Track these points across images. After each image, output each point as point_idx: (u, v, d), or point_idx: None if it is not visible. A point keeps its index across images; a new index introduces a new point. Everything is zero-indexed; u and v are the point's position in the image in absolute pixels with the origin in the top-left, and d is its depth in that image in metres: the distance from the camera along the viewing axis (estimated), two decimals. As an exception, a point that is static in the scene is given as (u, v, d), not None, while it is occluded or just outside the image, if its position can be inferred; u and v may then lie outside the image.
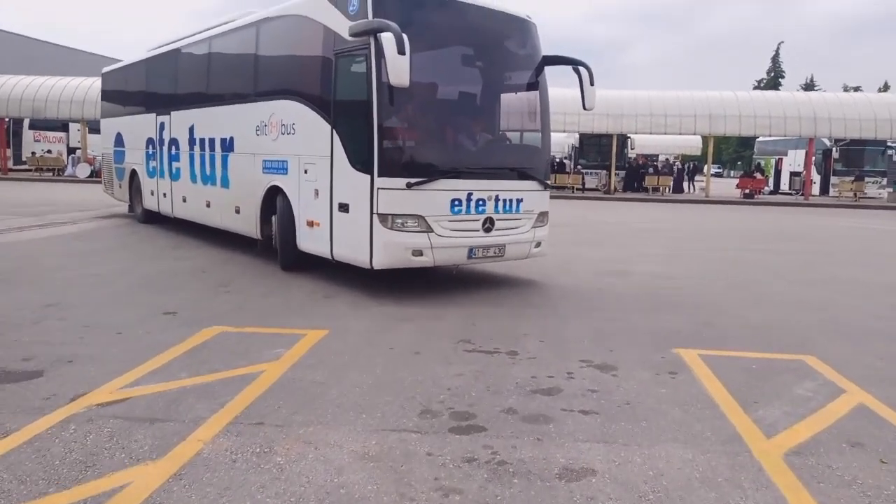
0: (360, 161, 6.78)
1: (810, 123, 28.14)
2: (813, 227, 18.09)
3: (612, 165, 30.53)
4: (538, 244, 7.91)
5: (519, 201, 7.51)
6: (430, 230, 6.79)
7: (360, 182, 6.75)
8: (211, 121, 10.51)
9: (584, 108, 8.10)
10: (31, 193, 21.37)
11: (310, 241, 7.80)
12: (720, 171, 77.03)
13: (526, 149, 8.34)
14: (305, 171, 7.78)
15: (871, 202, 29.40)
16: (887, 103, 28.31)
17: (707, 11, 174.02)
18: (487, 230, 7.22)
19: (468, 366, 4.77)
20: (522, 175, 7.64)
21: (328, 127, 7.29)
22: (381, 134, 6.57)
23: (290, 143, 8.15)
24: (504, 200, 7.36)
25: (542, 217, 7.90)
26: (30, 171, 32.73)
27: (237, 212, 9.59)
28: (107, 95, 15.45)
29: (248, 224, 9.24)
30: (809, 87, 72.68)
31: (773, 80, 77.13)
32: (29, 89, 30.52)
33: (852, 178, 30.46)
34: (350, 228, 7.01)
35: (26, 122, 34.81)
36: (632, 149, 35.95)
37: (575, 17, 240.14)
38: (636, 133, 31.82)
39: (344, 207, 7.08)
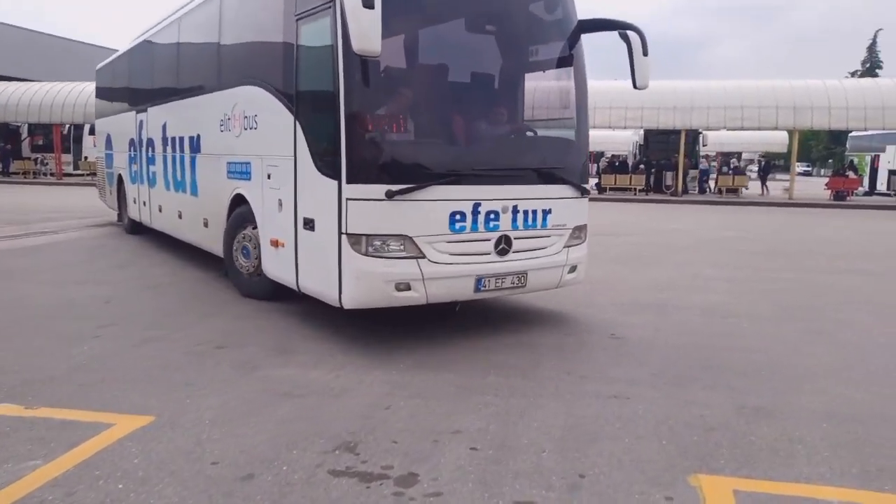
0: (326, 162, 5.03)
1: (914, 114, 24.31)
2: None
3: (681, 164, 27.49)
4: (573, 268, 5.91)
5: (546, 213, 5.54)
6: (420, 255, 4.94)
7: (326, 190, 4.96)
8: (180, 116, 8.89)
9: (636, 87, 5.90)
10: (60, 198, 20.72)
11: (275, 265, 6.06)
12: (809, 169, 71.08)
13: (555, 143, 6.20)
14: (269, 176, 6.04)
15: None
16: None
17: (794, 2, 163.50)
18: (502, 253, 5.29)
19: (313, 513, 2.75)
20: (550, 178, 5.61)
21: (290, 118, 5.52)
22: (349, 123, 4.78)
23: (253, 140, 6.44)
24: (525, 212, 5.40)
25: (578, 233, 5.89)
26: (84, 175, 32.78)
27: (205, 225, 7.90)
28: (99, 93, 14.28)
29: (215, 240, 7.50)
30: (912, 76, 65.96)
31: (869, 72, 70.22)
32: (82, 95, 30.37)
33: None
34: (316, 252, 5.22)
35: (87, 128, 34.98)
36: (704, 145, 32.58)
37: (650, 14, 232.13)
38: (708, 129, 28.65)
39: (309, 224, 5.28)
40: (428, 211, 4.96)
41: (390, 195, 4.77)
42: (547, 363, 4.87)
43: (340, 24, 4.68)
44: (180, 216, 8.98)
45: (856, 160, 35.60)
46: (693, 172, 28.98)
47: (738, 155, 42.76)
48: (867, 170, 33.74)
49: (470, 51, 5.82)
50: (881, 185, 31.95)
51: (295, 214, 5.47)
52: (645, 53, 5.73)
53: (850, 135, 37.84)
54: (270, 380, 4.36)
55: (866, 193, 31.22)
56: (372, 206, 4.81)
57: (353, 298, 4.89)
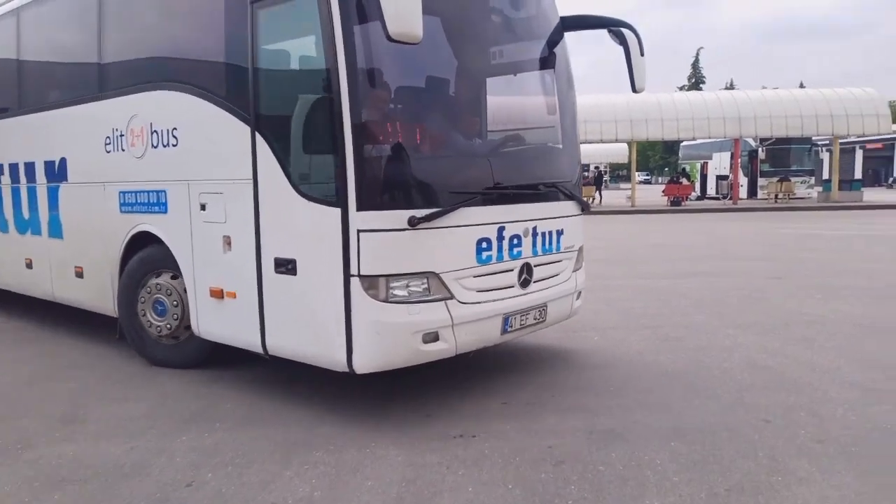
0: (320, 184, 4.05)
1: (735, 124, 26.91)
2: (755, 236, 16.19)
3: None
4: (579, 294, 5.34)
5: (560, 234, 4.88)
6: (448, 295, 4.09)
7: (319, 221, 3.97)
8: (29, 136, 6.79)
9: (635, 90, 5.21)
10: None
11: (216, 323, 4.83)
12: (649, 178, 77.08)
13: (561, 153, 5.37)
14: (203, 207, 4.82)
15: (801, 203, 28.33)
16: (812, 99, 27.26)
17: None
18: (525, 284, 4.57)
19: None
20: (561, 193, 4.94)
21: (245, 129, 4.40)
22: (358, 133, 3.80)
23: (170, 161, 5.10)
24: (543, 235, 4.72)
25: (580, 255, 5.32)
26: None
27: (78, 275, 6.20)
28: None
29: (98, 294, 5.93)
30: (730, 90, 73.57)
31: (694, 86, 77.58)
32: None
33: (778, 179, 29.39)
34: (299, 303, 4.19)
35: None
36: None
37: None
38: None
39: (286, 265, 4.19)
40: (454, 240, 4.12)
41: (414, 223, 3.86)
42: (393, 403, 4.40)
43: (338, 4, 3.77)
44: (30, 265, 6.97)
45: (688, 168, 38.86)
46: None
47: (587, 167, 45.29)
48: (698, 176, 36.84)
49: (473, 53, 4.90)
50: (711, 189, 34.97)
51: (258, 255, 4.35)
52: (642, 53, 5.11)
53: (681, 144, 41.30)
54: (43, 463, 3.53)
55: (698, 198, 33.99)
56: (392, 239, 3.88)
57: (369, 360, 3.91)
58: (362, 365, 3.90)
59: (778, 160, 30.98)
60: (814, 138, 29.75)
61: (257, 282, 4.36)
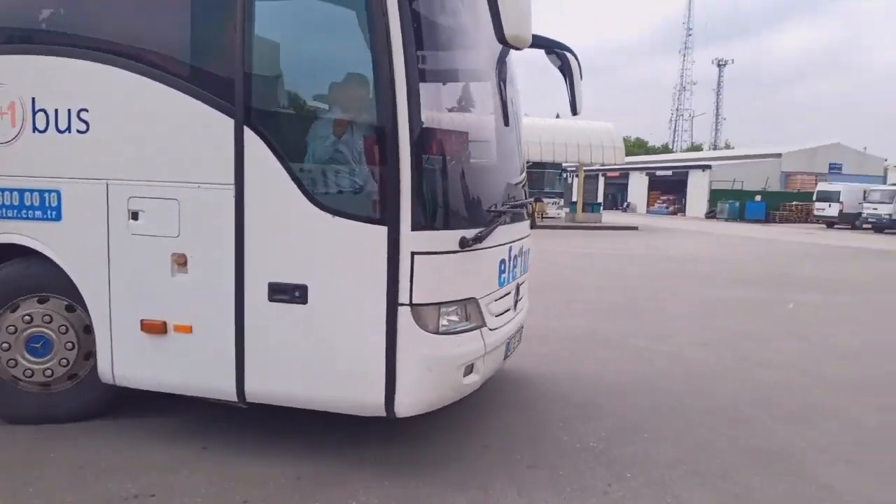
0: (355, 197, 3.55)
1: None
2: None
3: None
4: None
5: (529, 252, 4.80)
6: (482, 322, 3.76)
7: (352, 240, 3.40)
8: None
9: (576, 113, 5.01)
10: None
11: (150, 365, 3.81)
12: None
13: (523, 172, 5.14)
14: (134, 216, 3.73)
15: (553, 222, 31.77)
16: (563, 129, 30.71)
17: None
18: (515, 305, 4.44)
19: None
20: (526, 212, 4.79)
21: (225, 121, 3.51)
22: (420, 143, 3.31)
23: (71, 152, 3.85)
24: (524, 253, 4.61)
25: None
26: None
27: None
28: None
29: None
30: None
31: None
32: None
33: (533, 200, 32.63)
34: (313, 337, 3.50)
35: None
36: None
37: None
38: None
39: (289, 292, 3.47)
40: (485, 262, 3.82)
41: (465, 244, 3.51)
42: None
43: None
44: None
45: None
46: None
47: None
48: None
49: (505, 65, 4.49)
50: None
51: (238, 279, 3.53)
52: (581, 76, 4.98)
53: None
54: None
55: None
56: (444, 262, 3.49)
57: (416, 400, 3.46)
58: (407, 406, 3.43)
59: (533, 182, 34.44)
60: (563, 164, 33.57)
61: (235, 312, 3.54)
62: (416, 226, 3.35)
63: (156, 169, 3.71)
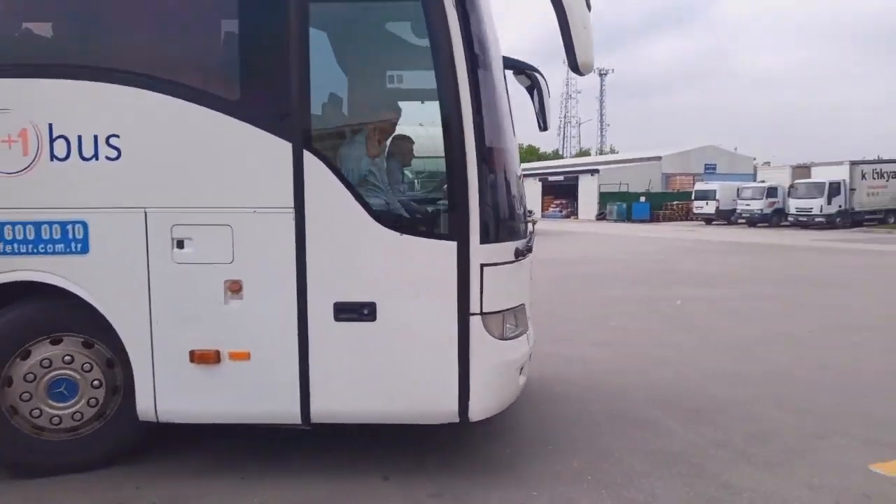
0: (422, 215, 3.98)
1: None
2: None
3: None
4: None
5: None
6: (527, 328, 4.11)
7: (422, 256, 3.60)
8: None
9: (544, 129, 5.32)
10: None
11: (202, 397, 3.69)
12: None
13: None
14: (180, 245, 3.61)
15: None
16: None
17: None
18: None
19: None
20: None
21: (283, 145, 3.54)
22: (484, 161, 3.56)
23: (100, 181, 3.65)
24: None
25: None
26: None
27: None
28: None
29: None
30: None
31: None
32: None
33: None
34: (385, 352, 3.62)
35: None
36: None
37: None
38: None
39: (357, 311, 3.57)
40: (524, 270, 4.13)
41: (518, 253, 3.87)
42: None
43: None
44: None
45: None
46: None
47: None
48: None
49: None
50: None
51: (301, 301, 3.57)
52: (549, 94, 5.24)
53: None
54: None
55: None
56: (506, 272, 3.77)
57: (488, 403, 3.71)
58: (480, 411, 3.66)
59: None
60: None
61: (299, 335, 3.57)
62: (484, 239, 3.57)
63: (204, 195, 3.63)
